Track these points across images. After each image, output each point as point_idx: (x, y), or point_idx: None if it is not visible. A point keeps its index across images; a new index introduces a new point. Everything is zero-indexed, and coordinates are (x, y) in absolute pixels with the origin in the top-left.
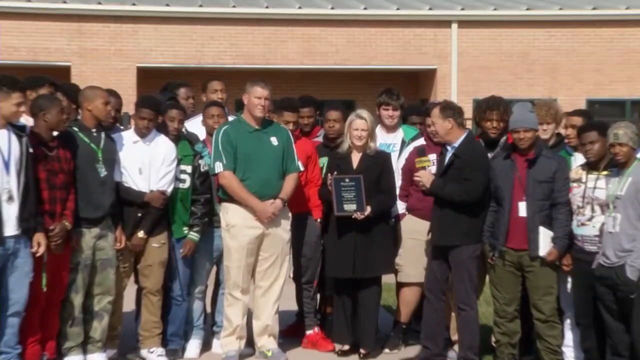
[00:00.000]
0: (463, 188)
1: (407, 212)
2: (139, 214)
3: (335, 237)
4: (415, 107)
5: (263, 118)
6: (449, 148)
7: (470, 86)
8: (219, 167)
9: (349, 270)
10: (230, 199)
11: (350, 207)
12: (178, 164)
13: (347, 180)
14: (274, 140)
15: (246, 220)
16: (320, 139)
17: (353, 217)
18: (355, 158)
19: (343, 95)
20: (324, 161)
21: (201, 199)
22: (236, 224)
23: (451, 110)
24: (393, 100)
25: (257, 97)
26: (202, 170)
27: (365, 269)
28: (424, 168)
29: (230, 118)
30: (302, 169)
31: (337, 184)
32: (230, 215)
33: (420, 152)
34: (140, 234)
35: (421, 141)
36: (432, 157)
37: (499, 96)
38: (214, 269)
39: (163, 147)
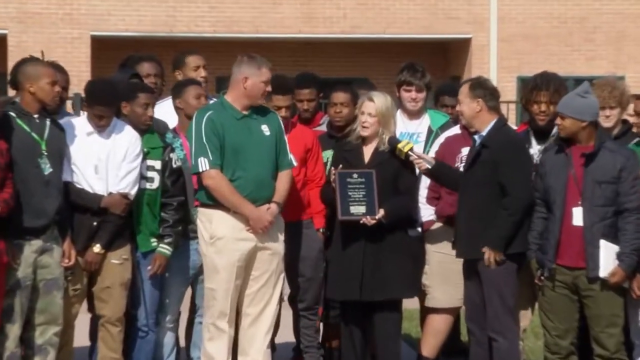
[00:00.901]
0: (510, 203)
1: (435, 220)
2: (95, 223)
3: (340, 248)
4: (448, 87)
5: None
6: (477, 138)
7: (514, 60)
8: (203, 165)
9: (355, 290)
10: (216, 204)
11: (358, 209)
12: (144, 159)
13: (355, 175)
14: (265, 129)
15: (236, 231)
16: (323, 128)
17: (362, 222)
18: (368, 151)
19: (353, 72)
20: (328, 155)
21: (173, 202)
22: (224, 235)
23: (483, 89)
24: (417, 78)
25: (264, 81)
26: (174, 166)
27: (377, 289)
28: (407, 156)
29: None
30: (295, 163)
31: (343, 180)
32: (216, 224)
33: (394, 140)
34: (96, 247)
35: (455, 130)
36: (467, 150)
37: (552, 72)
38: (189, 291)
39: (125, 138)
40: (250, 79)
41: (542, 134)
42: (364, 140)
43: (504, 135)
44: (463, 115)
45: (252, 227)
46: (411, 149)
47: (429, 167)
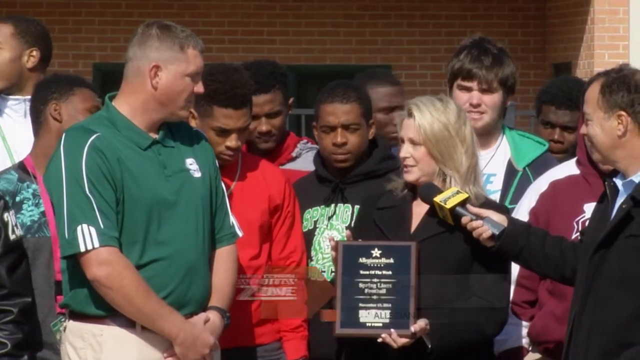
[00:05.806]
0: None
1: (529, 346)
2: None
3: None
4: (557, 87)
5: None
6: (619, 185)
7: None
8: (87, 239)
9: None
10: (109, 314)
11: (374, 318)
12: None
13: (375, 252)
14: (192, 167)
15: None
16: (301, 165)
17: (380, 340)
18: (420, 209)
19: (359, 53)
20: (315, 217)
21: (11, 307)
22: None
23: (628, 91)
24: (483, 67)
25: (191, 74)
26: (11, 238)
27: None
28: (456, 216)
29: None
30: (240, 233)
31: (350, 259)
32: (109, 353)
33: (427, 190)
34: None
35: (568, 169)
36: (590, 207)
37: None
38: None
39: None
40: (165, 70)
41: None
42: (414, 191)
43: None
44: (593, 143)
45: (180, 356)
46: (462, 204)
47: (496, 232)
